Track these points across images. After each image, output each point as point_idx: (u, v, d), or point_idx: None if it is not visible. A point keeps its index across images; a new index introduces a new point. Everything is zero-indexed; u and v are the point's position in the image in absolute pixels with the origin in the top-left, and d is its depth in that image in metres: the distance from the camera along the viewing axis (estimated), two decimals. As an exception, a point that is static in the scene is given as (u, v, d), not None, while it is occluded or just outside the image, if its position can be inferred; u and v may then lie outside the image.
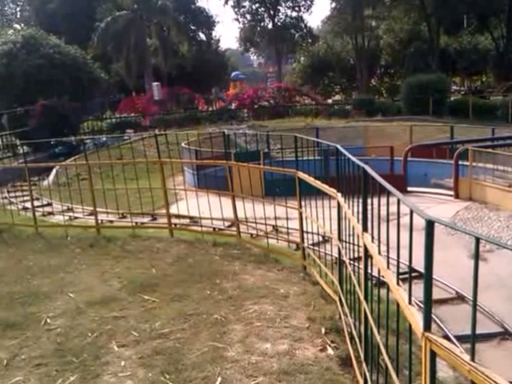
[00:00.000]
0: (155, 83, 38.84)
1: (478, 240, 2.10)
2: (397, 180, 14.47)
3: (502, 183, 12.95)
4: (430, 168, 15.70)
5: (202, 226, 9.55)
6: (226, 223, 10.01)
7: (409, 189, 14.13)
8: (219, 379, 4.36)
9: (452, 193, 13.89)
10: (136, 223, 10.94)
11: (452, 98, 34.18)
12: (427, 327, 2.44)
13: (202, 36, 51.23)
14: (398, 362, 3.07)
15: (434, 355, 2.39)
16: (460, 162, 13.98)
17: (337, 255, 5.78)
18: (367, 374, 3.84)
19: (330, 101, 43.61)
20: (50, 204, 12.82)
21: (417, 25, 40.86)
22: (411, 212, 2.65)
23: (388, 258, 3.37)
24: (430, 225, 2.42)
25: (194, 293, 6.38)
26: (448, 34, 41.50)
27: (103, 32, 40.33)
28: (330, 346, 4.84)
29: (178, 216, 10.74)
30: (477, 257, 2.16)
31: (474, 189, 13.46)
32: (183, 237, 9.32)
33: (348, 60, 45.76)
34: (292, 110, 35.11)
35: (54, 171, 17.79)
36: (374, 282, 4.51)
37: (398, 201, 2.89)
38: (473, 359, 2.08)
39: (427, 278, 2.50)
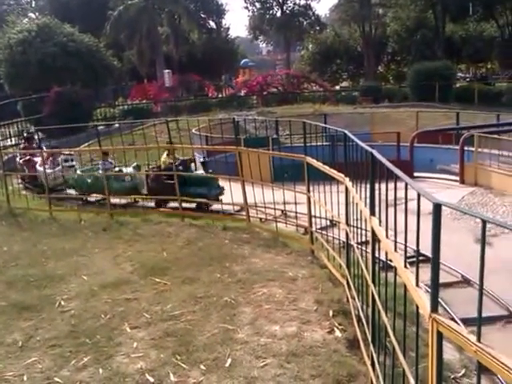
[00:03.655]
0: (166, 70, 38.94)
1: (484, 222, 2.15)
2: (403, 165, 14.47)
3: (507, 168, 12.96)
4: (436, 154, 15.70)
5: (214, 211, 9.73)
6: (236, 208, 10.12)
7: (415, 174, 14.13)
8: (229, 360, 4.49)
9: (458, 178, 13.92)
10: (147, 208, 11.07)
11: (458, 85, 34.01)
12: (434, 309, 2.49)
13: (212, 24, 51.27)
14: (405, 344, 3.15)
15: (440, 336, 2.45)
16: (466, 148, 13.99)
17: (344, 239, 5.88)
18: (374, 356, 3.93)
19: (337, 87, 43.53)
20: (64, 189, 12.96)
21: (423, 12, 40.53)
22: (418, 196, 2.70)
23: (395, 241, 3.43)
24: (437, 208, 2.47)
25: (204, 276, 6.51)
26: (454, 22, 41.19)
27: (116, 20, 40.59)
28: (337, 328, 4.96)
29: (188, 201, 10.85)
30: (483, 239, 2.20)
31: (480, 174, 13.48)
32: (194, 221, 9.44)
33: (355, 47, 45.50)
34: (300, 97, 35.07)
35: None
36: (381, 265, 4.59)
37: (406, 185, 2.95)
38: (479, 340, 2.12)
39: (434, 259, 2.55)
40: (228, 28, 55.45)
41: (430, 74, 29.73)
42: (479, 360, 2.11)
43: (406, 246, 3.14)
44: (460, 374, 4.76)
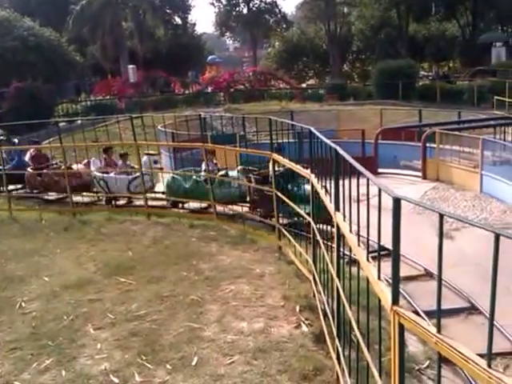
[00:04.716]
0: (130, 66, 38.46)
1: (441, 216, 2.20)
2: (368, 162, 14.70)
3: (467, 164, 13.31)
4: (399, 150, 15.98)
5: (182, 208, 9.61)
6: (203, 205, 10.07)
7: (379, 170, 14.38)
8: (195, 358, 4.45)
9: (420, 174, 14.22)
10: (112, 206, 10.91)
11: (420, 83, 34.69)
12: (395, 301, 2.51)
13: (178, 20, 50.79)
14: (369, 336, 3.18)
15: (402, 328, 2.47)
16: (428, 145, 14.30)
17: (311, 235, 5.91)
18: (340, 350, 3.96)
19: (304, 85, 43.82)
20: (24, 187, 12.63)
21: (387, 11, 41.17)
22: (379, 191, 2.74)
23: (359, 236, 3.47)
24: (396, 202, 2.51)
25: (170, 274, 6.44)
26: (417, 21, 41.97)
27: (78, 15, 39.77)
28: (304, 323, 4.98)
29: (154, 198, 10.72)
30: (441, 232, 2.24)
31: (441, 170, 13.80)
32: (160, 219, 9.34)
33: (321, 45, 45.87)
34: (267, 94, 35.16)
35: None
36: (346, 260, 4.63)
37: (368, 181, 2.98)
38: (439, 331, 2.15)
39: (395, 252, 2.59)
40: (194, 24, 55.20)
41: (394, 72, 30.24)
42: (439, 351, 2.14)
43: (368, 240, 3.17)
44: (424, 366, 4.85)
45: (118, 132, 11.59)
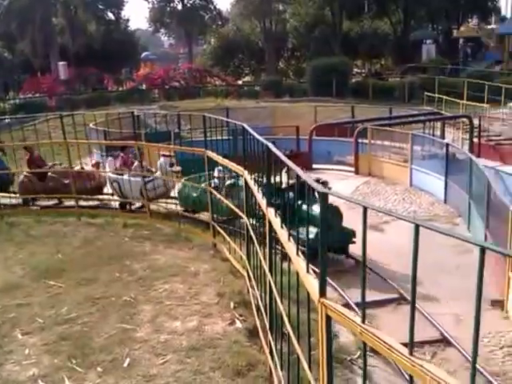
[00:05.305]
0: (61, 63, 37.09)
1: (365, 209, 2.26)
2: (302, 158, 14.98)
3: (398, 159, 13.81)
4: (333, 146, 16.34)
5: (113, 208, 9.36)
6: (137, 204, 9.87)
7: (314, 166, 14.66)
8: (127, 360, 4.38)
9: (353, 169, 14.62)
10: (41, 207, 10.48)
11: (354, 80, 35.54)
12: (323, 293, 2.55)
13: (111, 15, 49.44)
14: (299, 329, 3.23)
15: (329, 320, 2.51)
16: (360, 140, 14.70)
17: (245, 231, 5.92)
18: (272, 344, 4.00)
19: (240, 82, 43.84)
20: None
21: (321, 9, 41.83)
22: (308, 185, 2.80)
23: (289, 231, 3.51)
24: (323, 196, 2.56)
25: (102, 276, 6.29)
26: (350, 19, 42.91)
27: (6, 10, 38.04)
28: (238, 319, 5.00)
29: (86, 199, 10.39)
30: (365, 224, 2.30)
31: (373, 165, 14.25)
32: (92, 220, 9.08)
33: (257, 42, 45.98)
34: (203, 91, 34.92)
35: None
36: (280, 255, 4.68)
37: (298, 176, 3.03)
38: (364, 321, 2.20)
39: (322, 245, 2.64)
40: (128, 20, 53.74)
41: (328, 69, 30.79)
42: (364, 340, 2.19)
43: (298, 234, 3.22)
44: (356, 356, 4.99)
45: (47, 131, 11.14)
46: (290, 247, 3.38)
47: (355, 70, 44.00)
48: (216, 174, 8.66)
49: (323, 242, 2.71)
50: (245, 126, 5.52)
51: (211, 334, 4.72)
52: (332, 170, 14.88)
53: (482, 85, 22.86)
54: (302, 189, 6.18)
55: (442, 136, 16.84)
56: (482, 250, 1.69)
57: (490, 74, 30.18)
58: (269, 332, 4.13)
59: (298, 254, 3.20)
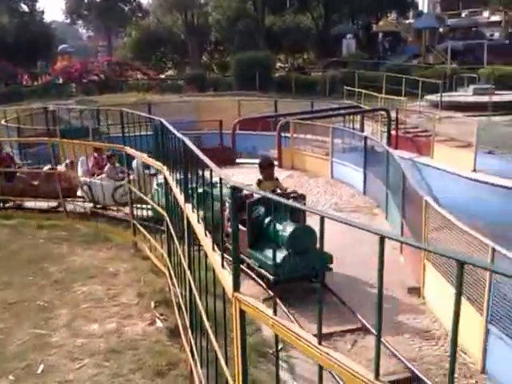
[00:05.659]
0: (-33, 56, 34.81)
1: (274, 201, 2.29)
2: (226, 152, 14.99)
3: (320, 152, 14.11)
4: (258, 140, 16.41)
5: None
6: (52, 204, 9.44)
7: (238, 160, 14.68)
8: (42, 366, 4.18)
9: (276, 163, 14.77)
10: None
11: (277, 75, 35.99)
12: (237, 288, 2.54)
13: (25, 7, 47.00)
14: (217, 326, 3.20)
15: (243, 314, 2.51)
16: (283, 134, 14.88)
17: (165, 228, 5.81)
18: (192, 342, 3.95)
19: (162, 76, 43.13)
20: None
21: (243, 2, 41.98)
22: (220, 180, 2.75)
23: (205, 226, 3.47)
24: (233, 189, 2.53)
25: (16, 280, 6.01)
26: (273, 13, 43.36)
27: None
28: (159, 318, 4.90)
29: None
30: (273, 215, 2.34)
31: (296, 158, 14.48)
32: (5, 221, 8.60)
33: (179, 35, 45.37)
34: (124, 85, 34.05)
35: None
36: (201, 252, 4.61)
37: (211, 171, 2.99)
38: (275, 313, 2.21)
39: (234, 238, 2.63)
40: (42, 12, 51.38)
41: (252, 63, 30.99)
42: (276, 332, 2.20)
43: (213, 229, 3.19)
44: (279, 349, 5.02)
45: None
46: (207, 243, 3.34)
47: (279, 64, 44.54)
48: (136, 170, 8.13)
49: (235, 231, 2.70)
50: (163, 120, 5.41)
51: (131, 335, 4.60)
52: (256, 164, 14.93)
53: (399, 78, 23.85)
54: (271, 203, 5.46)
55: (362, 129, 17.39)
56: (381, 239, 1.73)
57: (407, 68, 31.57)
58: (189, 330, 4.08)
59: (213, 249, 3.18)
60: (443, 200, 11.72)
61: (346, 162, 13.19)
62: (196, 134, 15.98)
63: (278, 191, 6.98)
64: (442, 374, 5.22)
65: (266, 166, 7.57)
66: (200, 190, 6.63)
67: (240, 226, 6.28)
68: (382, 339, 5.66)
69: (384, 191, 10.50)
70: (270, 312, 2.26)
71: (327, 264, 6.46)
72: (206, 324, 3.35)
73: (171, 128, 4.83)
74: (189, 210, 4.01)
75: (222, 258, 2.92)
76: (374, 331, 5.70)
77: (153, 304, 5.16)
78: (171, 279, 5.33)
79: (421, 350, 5.86)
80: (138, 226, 6.94)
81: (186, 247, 4.19)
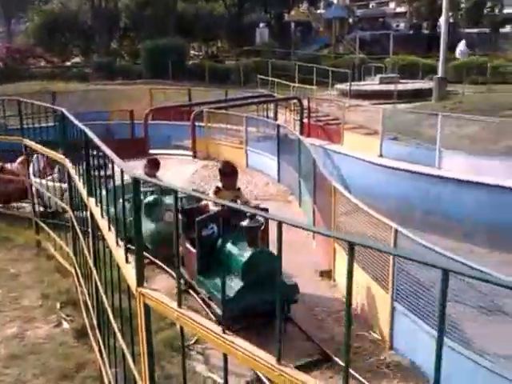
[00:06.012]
0: None
1: (176, 192, 2.23)
2: (138, 143, 14.61)
3: (234, 141, 14.12)
4: (172, 130, 16.11)
5: None
6: None
7: (151, 151, 14.35)
8: None
9: (191, 152, 14.64)
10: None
11: (190, 62, 35.51)
12: (140, 283, 2.49)
13: None
14: (123, 323, 3.10)
15: (148, 309, 2.46)
16: (197, 124, 14.73)
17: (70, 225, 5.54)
18: (101, 341, 3.81)
19: (68, 63, 41.12)
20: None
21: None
22: (121, 172, 2.66)
23: (109, 220, 3.36)
24: (135, 181, 2.45)
25: None
26: (184, 0, 42.62)
27: None
28: (65, 320, 4.68)
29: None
30: (176, 206, 2.27)
31: (211, 148, 14.41)
32: None
33: (86, 21, 43.39)
34: (26, 73, 32.08)
35: None
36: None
37: (113, 162, 2.88)
38: (180, 306, 2.17)
39: (136, 235, 2.56)
40: None
41: (164, 51, 30.34)
42: (182, 325, 2.18)
43: (117, 222, 3.09)
44: (192, 342, 5.00)
45: None
46: (111, 237, 3.23)
47: (192, 52, 43.94)
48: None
49: (137, 234, 2.60)
50: (64, 110, 5.13)
51: (33, 339, 4.35)
52: (171, 154, 14.71)
53: (311, 68, 24.35)
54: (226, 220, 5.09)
55: (275, 118, 17.61)
56: (279, 224, 1.71)
57: (318, 57, 32.32)
58: (97, 329, 3.93)
59: (117, 244, 3.07)
60: (353, 185, 12.19)
61: (260, 150, 13.30)
62: (105, 124, 15.44)
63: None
64: (352, 352, 5.40)
65: (229, 174, 6.25)
66: (151, 198, 6.21)
67: (189, 246, 5.75)
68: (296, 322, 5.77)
69: (297, 179, 10.70)
70: (174, 305, 2.22)
71: (291, 296, 5.47)
72: (113, 322, 3.25)
73: (72, 118, 4.60)
74: (92, 205, 3.85)
75: (126, 252, 2.83)
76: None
77: (58, 305, 4.91)
78: (78, 278, 5.10)
79: (333, 330, 6.04)
80: (41, 223, 6.57)
81: (90, 243, 4.02)
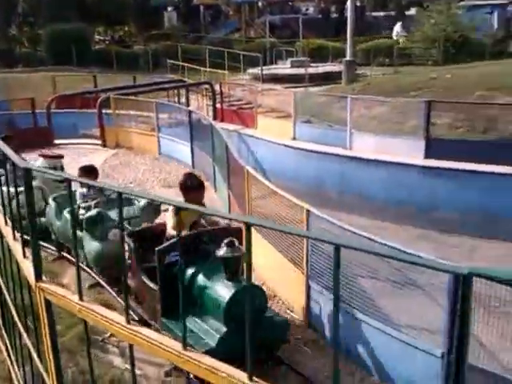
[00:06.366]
0: None
1: (69, 181, 2.23)
2: (42, 133, 13.88)
3: (145, 128, 13.79)
4: (79, 119, 15.43)
5: None
6: None
7: (57, 141, 13.70)
8: None
9: (99, 142, 14.14)
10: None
11: (96, 47, 34.26)
12: (39, 277, 2.40)
13: None
14: (26, 319, 2.95)
15: (49, 304, 2.38)
16: (105, 111, 14.22)
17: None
18: (7, 339, 3.66)
19: (-38, 51, 38.31)
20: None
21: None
22: (13, 163, 2.54)
23: (5, 214, 3.21)
24: (26, 172, 2.34)
25: None
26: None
27: None
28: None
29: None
30: (70, 195, 2.17)
31: (121, 136, 13.99)
32: None
33: (-20, 5, 40.55)
34: None
35: None
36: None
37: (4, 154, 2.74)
38: (81, 299, 2.13)
39: (32, 227, 2.46)
40: None
41: (66, 36, 29.05)
42: (84, 318, 2.13)
43: (12, 214, 2.95)
44: (108, 335, 4.89)
45: None
46: (8, 231, 3.07)
47: (98, 37, 42.28)
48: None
49: (32, 219, 2.47)
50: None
51: None
52: (77, 144, 14.12)
53: (222, 52, 24.22)
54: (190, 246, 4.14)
55: (187, 103, 17.38)
56: (177, 209, 1.67)
57: (229, 41, 32.20)
58: (2, 328, 3.74)
59: (15, 238, 2.92)
60: (268, 168, 12.34)
61: (172, 137, 13.08)
62: (6, 114, 14.52)
63: (202, 227, 4.86)
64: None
65: (193, 188, 5.14)
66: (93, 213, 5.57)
67: (145, 280, 4.80)
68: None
69: (211, 164, 10.65)
70: (75, 298, 2.16)
71: (282, 335, 4.81)
72: (16, 319, 3.11)
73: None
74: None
75: (23, 246, 2.70)
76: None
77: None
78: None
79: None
80: None
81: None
